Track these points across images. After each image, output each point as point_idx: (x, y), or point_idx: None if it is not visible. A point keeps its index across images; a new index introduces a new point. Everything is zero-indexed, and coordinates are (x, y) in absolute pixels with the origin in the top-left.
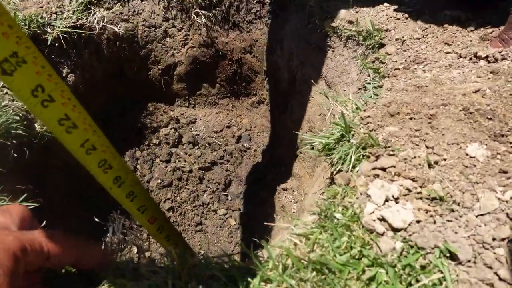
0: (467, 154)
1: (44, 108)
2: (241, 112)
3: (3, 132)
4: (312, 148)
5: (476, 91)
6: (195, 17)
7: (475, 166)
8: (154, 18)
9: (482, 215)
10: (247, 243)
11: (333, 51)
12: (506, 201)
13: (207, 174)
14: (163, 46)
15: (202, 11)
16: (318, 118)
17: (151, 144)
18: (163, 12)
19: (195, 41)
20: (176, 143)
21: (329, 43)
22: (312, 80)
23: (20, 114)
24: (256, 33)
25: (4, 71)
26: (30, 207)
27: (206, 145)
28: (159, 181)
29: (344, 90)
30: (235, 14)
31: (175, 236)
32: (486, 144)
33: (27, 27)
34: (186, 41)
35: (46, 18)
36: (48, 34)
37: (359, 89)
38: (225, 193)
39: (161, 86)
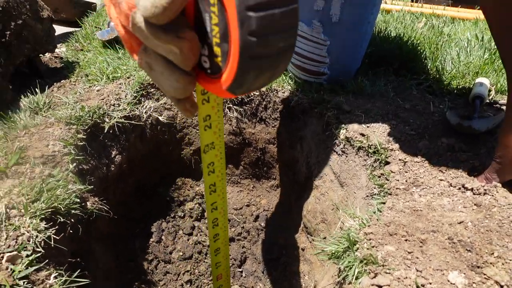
0: (448, 281)
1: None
2: (260, 193)
3: (66, 213)
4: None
5: (460, 222)
6: (228, 111)
7: None
8: None
9: None
10: None
11: (346, 156)
12: None
13: None
14: (197, 131)
15: (234, 106)
16: (330, 212)
17: (176, 217)
18: None
19: (225, 129)
20: (199, 217)
21: (343, 149)
22: (327, 178)
23: (79, 196)
24: (280, 129)
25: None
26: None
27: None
28: (181, 253)
29: (355, 193)
30: (262, 111)
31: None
32: (464, 273)
33: (90, 118)
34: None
35: (106, 109)
36: (105, 123)
37: (367, 196)
38: (240, 270)
39: (191, 164)
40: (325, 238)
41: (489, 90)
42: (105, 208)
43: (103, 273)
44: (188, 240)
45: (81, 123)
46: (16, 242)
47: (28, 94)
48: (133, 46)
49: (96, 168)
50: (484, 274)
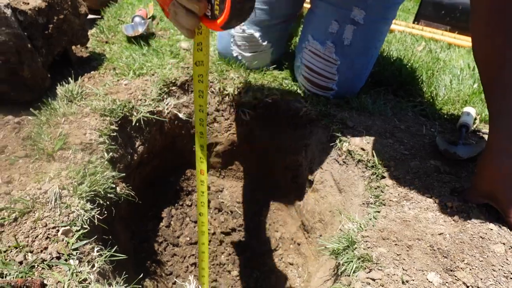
0: (427, 279)
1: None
2: (262, 190)
3: (103, 196)
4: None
5: (440, 234)
6: (241, 114)
7: None
8: (208, 108)
9: None
10: None
11: (346, 167)
12: None
13: (226, 238)
14: (210, 129)
15: (247, 110)
16: (328, 213)
17: (184, 205)
18: (216, 105)
19: (237, 131)
20: None
21: (345, 160)
22: (327, 184)
23: (114, 182)
24: (287, 134)
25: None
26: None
27: (229, 212)
28: (188, 238)
29: (352, 199)
30: (274, 117)
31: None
32: (440, 274)
33: (121, 111)
34: (229, 128)
35: (134, 104)
36: (133, 116)
37: (363, 203)
38: (238, 258)
39: None
40: (321, 235)
41: (475, 119)
42: (131, 193)
43: (123, 251)
44: (194, 227)
45: (114, 115)
46: (68, 218)
47: (63, 83)
48: (166, 1)
49: (123, 156)
50: (455, 276)
